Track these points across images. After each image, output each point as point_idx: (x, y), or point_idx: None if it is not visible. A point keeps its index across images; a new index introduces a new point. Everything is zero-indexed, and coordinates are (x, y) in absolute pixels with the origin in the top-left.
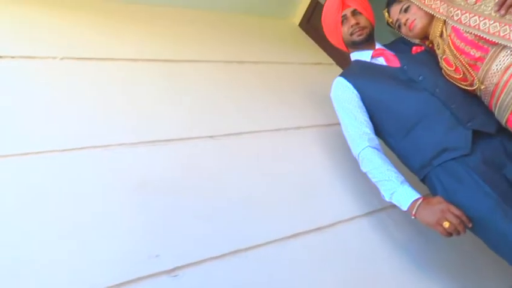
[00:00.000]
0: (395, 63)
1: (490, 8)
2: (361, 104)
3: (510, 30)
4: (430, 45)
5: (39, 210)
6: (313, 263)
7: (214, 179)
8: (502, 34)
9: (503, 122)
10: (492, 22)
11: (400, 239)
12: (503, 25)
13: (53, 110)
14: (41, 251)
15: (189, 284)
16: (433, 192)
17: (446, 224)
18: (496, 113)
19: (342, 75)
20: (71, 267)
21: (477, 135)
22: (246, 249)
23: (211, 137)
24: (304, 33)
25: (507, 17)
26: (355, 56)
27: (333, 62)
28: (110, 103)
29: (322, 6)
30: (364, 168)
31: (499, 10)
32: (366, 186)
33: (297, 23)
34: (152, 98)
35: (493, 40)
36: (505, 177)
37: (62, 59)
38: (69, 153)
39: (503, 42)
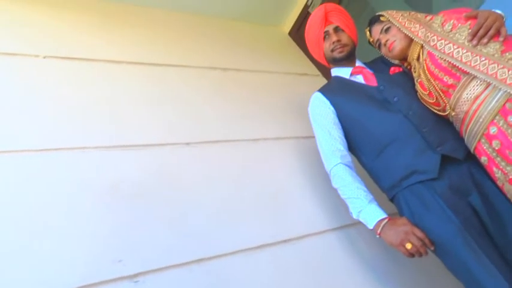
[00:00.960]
0: (373, 82)
1: (463, 37)
2: (336, 120)
3: (480, 61)
4: (408, 67)
5: (9, 209)
6: (277, 275)
7: (187, 186)
8: (473, 64)
9: (471, 149)
10: (465, 51)
11: (367, 255)
12: (474, 55)
13: (31, 108)
14: (5, 251)
15: None
16: (400, 213)
17: (408, 245)
18: (465, 140)
19: (320, 90)
20: (36, 267)
21: (446, 160)
22: (210, 258)
23: (187, 144)
24: (293, 42)
25: (478, 47)
26: (335, 71)
27: (319, 73)
28: (89, 104)
29: None
30: (335, 185)
31: (471, 40)
32: (338, 201)
33: (287, 32)
34: (133, 101)
35: (465, 69)
36: (469, 204)
37: (44, 57)
38: (45, 154)
39: (473, 73)
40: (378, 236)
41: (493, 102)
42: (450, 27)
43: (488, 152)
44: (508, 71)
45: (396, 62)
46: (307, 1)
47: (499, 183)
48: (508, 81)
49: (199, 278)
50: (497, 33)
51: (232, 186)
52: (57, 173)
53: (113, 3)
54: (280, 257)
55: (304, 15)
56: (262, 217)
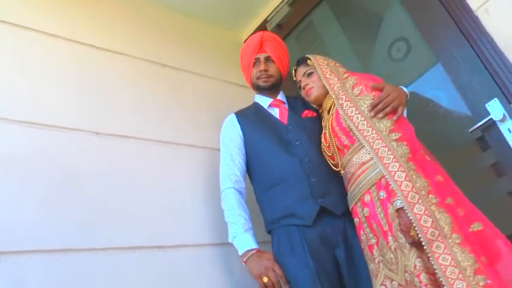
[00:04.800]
0: (285, 119)
1: (366, 105)
2: (242, 146)
3: (371, 133)
4: (323, 115)
5: None
6: (140, 279)
7: (81, 175)
8: (365, 134)
9: (350, 208)
10: (363, 119)
11: (237, 275)
12: (368, 126)
13: None
14: None
15: (7, 271)
16: (272, 246)
17: (265, 279)
18: (347, 198)
19: (236, 113)
20: None
21: (325, 211)
22: (79, 250)
23: (96, 133)
24: None
25: (374, 119)
26: (257, 98)
27: None
28: (2, 73)
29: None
30: (222, 206)
31: (370, 111)
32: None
33: (244, 39)
34: (50, 78)
35: (358, 136)
36: (334, 256)
37: None
38: None
39: (363, 142)
40: (243, 264)
41: (373, 174)
42: (358, 92)
43: (360, 216)
44: (388, 150)
45: (315, 105)
46: (267, 16)
47: (362, 246)
48: (384, 161)
49: (62, 267)
50: (394, 111)
51: (128, 183)
52: None
53: None
54: (149, 261)
55: (263, 28)
56: (145, 220)
